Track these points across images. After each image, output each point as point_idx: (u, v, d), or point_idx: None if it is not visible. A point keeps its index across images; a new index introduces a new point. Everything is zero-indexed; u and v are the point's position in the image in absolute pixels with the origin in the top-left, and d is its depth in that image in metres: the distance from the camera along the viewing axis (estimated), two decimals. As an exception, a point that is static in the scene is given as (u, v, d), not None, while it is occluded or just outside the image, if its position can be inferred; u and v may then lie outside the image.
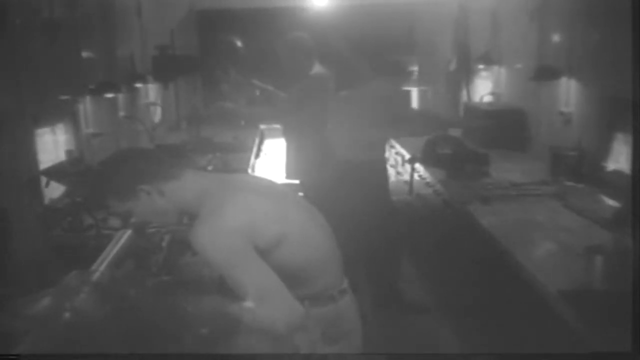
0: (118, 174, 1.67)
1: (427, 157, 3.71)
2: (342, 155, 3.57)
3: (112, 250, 2.19)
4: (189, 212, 1.72)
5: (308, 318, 1.63)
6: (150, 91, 5.04)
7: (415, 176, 3.85)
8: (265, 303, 1.54)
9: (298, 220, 1.72)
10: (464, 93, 5.20)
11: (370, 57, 3.89)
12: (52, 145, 2.92)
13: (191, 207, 1.69)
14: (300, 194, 3.69)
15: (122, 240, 2.28)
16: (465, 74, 5.19)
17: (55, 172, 2.68)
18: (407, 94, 6.32)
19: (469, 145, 3.74)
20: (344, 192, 3.46)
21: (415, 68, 6.96)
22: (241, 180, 1.91)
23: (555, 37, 3.57)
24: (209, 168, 3.89)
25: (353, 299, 1.83)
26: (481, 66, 4.76)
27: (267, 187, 1.82)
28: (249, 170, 4.03)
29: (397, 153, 4.61)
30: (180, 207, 1.70)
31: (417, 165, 3.82)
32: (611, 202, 2.67)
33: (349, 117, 3.55)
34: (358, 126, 3.50)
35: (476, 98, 4.93)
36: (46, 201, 2.62)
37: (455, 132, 4.21)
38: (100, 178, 1.76)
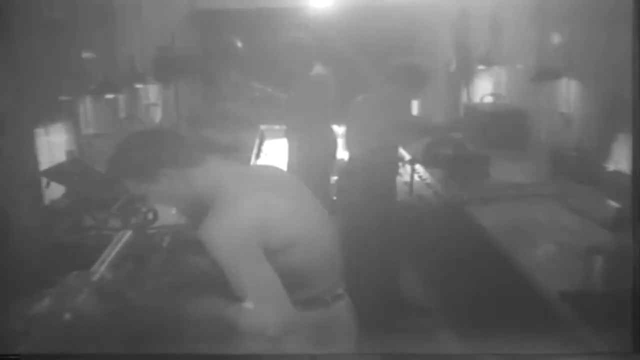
0: (142, 155, 1.64)
1: (428, 158, 3.70)
2: (352, 158, 3.56)
3: (113, 251, 2.18)
4: (204, 202, 1.65)
5: (300, 322, 1.61)
6: (151, 92, 5.03)
7: (416, 177, 3.84)
8: (260, 305, 1.52)
9: (310, 224, 1.70)
10: (465, 94, 5.20)
11: (384, 61, 3.83)
12: (52, 146, 2.91)
13: (207, 197, 1.63)
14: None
15: (123, 241, 2.28)
16: (465, 74, 5.19)
17: (56, 173, 2.68)
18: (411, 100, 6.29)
19: (469, 146, 3.73)
20: (347, 192, 3.45)
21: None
22: (259, 176, 1.85)
23: (556, 38, 3.57)
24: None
25: (348, 305, 1.81)
26: (481, 67, 4.75)
27: (285, 185, 1.79)
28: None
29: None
30: (196, 195, 1.65)
31: (418, 166, 3.81)
32: (611, 203, 2.67)
33: (361, 121, 3.52)
34: (369, 130, 3.46)
35: (476, 99, 4.92)
36: (46, 202, 2.62)
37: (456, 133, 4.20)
38: (122, 157, 1.69)
